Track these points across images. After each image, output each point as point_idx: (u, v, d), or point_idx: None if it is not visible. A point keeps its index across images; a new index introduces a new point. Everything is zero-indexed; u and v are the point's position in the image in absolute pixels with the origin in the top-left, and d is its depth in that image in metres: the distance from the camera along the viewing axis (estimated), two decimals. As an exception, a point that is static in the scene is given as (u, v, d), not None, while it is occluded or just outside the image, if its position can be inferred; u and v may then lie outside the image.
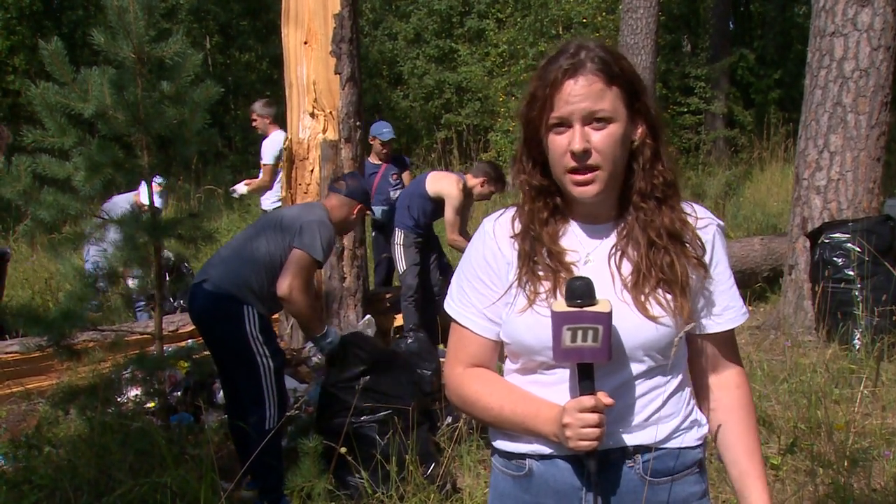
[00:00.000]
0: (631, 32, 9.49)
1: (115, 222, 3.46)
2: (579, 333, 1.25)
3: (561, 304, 1.28)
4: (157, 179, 3.59)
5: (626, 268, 1.35)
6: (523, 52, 14.17)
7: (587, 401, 1.27)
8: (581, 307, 1.25)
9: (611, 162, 1.30)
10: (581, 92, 1.29)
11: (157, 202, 3.55)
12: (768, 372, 4.30)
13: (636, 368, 1.34)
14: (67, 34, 12.20)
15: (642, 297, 1.32)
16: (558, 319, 1.26)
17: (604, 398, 1.27)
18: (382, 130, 6.17)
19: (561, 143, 1.31)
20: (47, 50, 3.10)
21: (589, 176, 1.30)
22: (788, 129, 11.42)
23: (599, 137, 1.29)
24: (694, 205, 1.43)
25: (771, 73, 16.07)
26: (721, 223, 1.43)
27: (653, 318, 1.31)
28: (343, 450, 3.01)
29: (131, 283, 3.73)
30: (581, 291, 1.26)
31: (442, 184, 5.27)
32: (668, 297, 1.33)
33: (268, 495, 3.16)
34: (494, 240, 1.42)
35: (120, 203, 4.55)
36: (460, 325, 1.45)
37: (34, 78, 9.16)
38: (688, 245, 1.36)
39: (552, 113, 1.31)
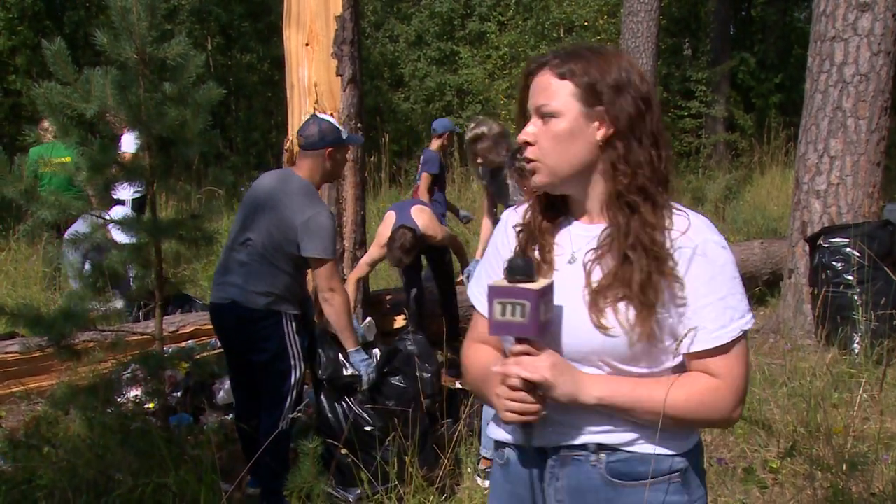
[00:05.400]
0: (632, 36, 9.51)
1: (116, 222, 3.46)
2: (508, 308, 1.29)
3: (500, 281, 1.33)
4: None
5: (597, 274, 1.35)
6: (524, 55, 14.19)
7: (511, 369, 1.30)
8: (514, 283, 1.30)
9: (551, 156, 1.35)
10: (536, 87, 1.38)
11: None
12: (768, 376, 4.31)
13: (595, 371, 1.35)
14: (69, 34, 12.19)
15: (601, 305, 1.32)
16: (490, 294, 1.31)
17: (522, 370, 1.29)
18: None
19: None
20: (50, 50, 3.10)
21: (532, 165, 1.37)
22: (789, 133, 11.43)
23: (539, 131, 1.36)
24: (691, 216, 1.37)
25: (771, 78, 16.08)
26: (713, 239, 1.34)
27: (603, 329, 1.31)
28: (343, 451, 3.02)
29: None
30: (519, 269, 1.30)
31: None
32: (630, 312, 1.30)
33: (269, 497, 3.16)
34: (505, 229, 1.52)
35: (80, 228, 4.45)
36: (474, 306, 1.54)
37: (36, 78, 9.17)
38: (661, 259, 1.31)
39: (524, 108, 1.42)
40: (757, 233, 8.47)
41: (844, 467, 3.09)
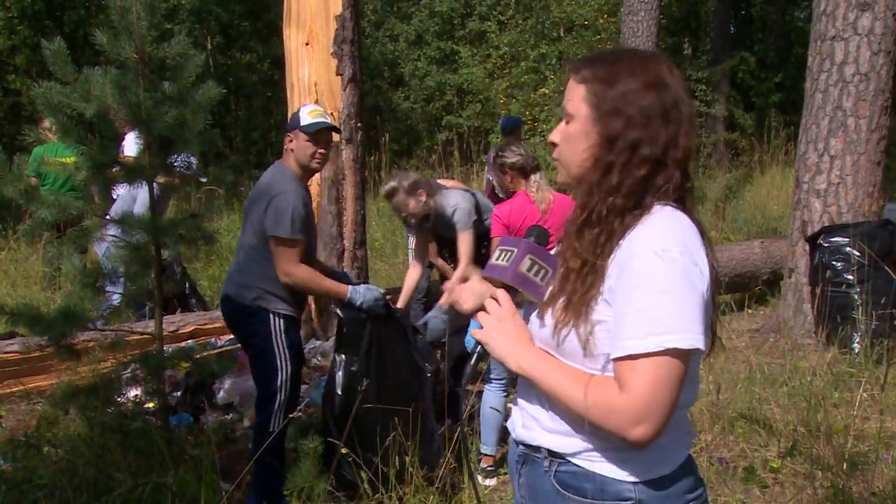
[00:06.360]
0: (632, 35, 9.51)
1: (115, 222, 3.46)
2: (503, 254, 1.41)
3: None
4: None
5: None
6: (524, 55, 14.20)
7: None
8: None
9: (567, 156, 1.39)
10: (566, 89, 1.42)
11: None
12: (768, 375, 4.31)
13: None
14: (69, 34, 12.19)
15: (553, 297, 1.37)
16: (526, 247, 1.40)
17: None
18: None
19: None
20: (49, 49, 3.09)
21: (555, 164, 1.44)
22: (789, 133, 11.43)
23: (561, 131, 1.41)
24: (651, 223, 1.30)
25: (771, 77, 16.09)
26: (654, 248, 1.25)
27: (541, 319, 1.38)
28: (344, 450, 3.01)
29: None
30: (532, 233, 1.43)
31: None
32: (559, 304, 1.35)
33: (267, 496, 3.16)
34: None
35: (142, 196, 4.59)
36: None
37: (36, 77, 9.17)
38: (600, 263, 1.31)
39: None
40: (757, 232, 8.46)
41: (845, 467, 3.09)
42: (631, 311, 1.24)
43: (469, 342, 3.72)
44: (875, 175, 5.25)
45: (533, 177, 3.69)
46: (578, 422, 1.29)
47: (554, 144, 1.42)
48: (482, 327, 1.40)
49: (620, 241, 1.30)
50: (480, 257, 4.33)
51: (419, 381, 3.41)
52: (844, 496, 2.92)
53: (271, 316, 3.16)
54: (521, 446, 1.44)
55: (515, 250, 1.39)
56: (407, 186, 4.16)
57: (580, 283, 1.31)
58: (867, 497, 2.98)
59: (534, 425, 1.39)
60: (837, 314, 4.95)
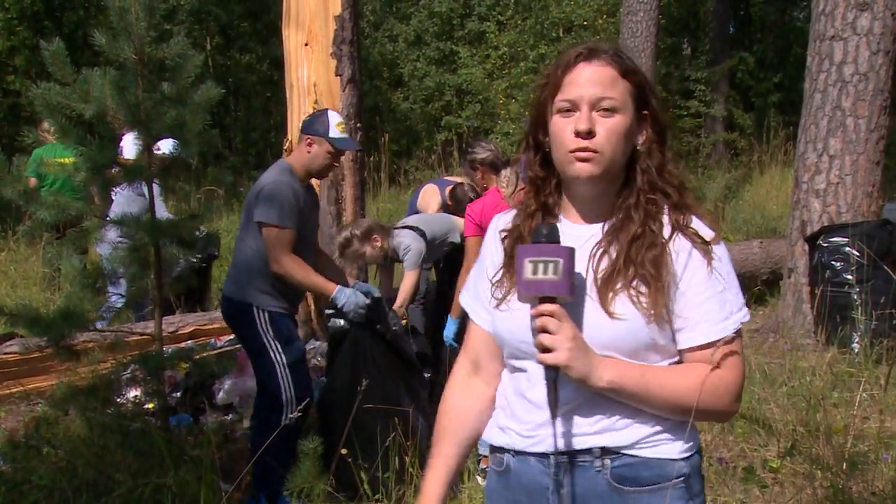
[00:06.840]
0: (631, 35, 9.51)
1: (114, 223, 3.46)
2: (540, 266, 1.26)
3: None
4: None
5: (604, 263, 1.33)
6: (524, 55, 14.19)
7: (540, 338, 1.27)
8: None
9: (611, 150, 1.31)
10: (593, 77, 1.31)
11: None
12: (767, 375, 4.31)
13: None
14: (68, 35, 12.17)
15: (610, 294, 1.30)
16: (521, 254, 1.29)
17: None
18: None
19: (565, 126, 1.32)
20: (48, 50, 3.10)
21: (589, 154, 1.30)
22: (788, 133, 11.42)
23: (604, 124, 1.30)
24: (699, 220, 1.36)
25: (771, 77, 16.06)
26: (710, 235, 1.34)
27: (610, 314, 1.29)
28: (344, 451, 3.01)
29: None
30: (544, 234, 1.29)
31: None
32: (643, 291, 1.29)
33: (269, 496, 3.15)
34: (494, 236, 1.48)
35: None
36: (469, 316, 1.52)
37: (35, 78, 9.16)
38: (663, 250, 1.33)
39: (561, 95, 1.33)
40: (756, 232, 8.46)
41: (844, 467, 3.09)
42: (713, 295, 1.33)
43: (448, 336, 3.73)
44: (874, 175, 5.25)
45: (503, 172, 3.66)
46: (681, 415, 1.32)
47: (591, 134, 1.30)
48: (550, 351, 1.25)
49: (662, 238, 1.33)
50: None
51: (409, 387, 3.40)
52: (844, 496, 2.92)
53: (257, 312, 3.16)
54: (552, 458, 1.34)
55: (561, 260, 1.25)
56: (360, 234, 4.24)
57: (655, 255, 1.31)
58: (867, 497, 2.98)
59: (572, 430, 1.33)
60: (837, 314, 4.95)
